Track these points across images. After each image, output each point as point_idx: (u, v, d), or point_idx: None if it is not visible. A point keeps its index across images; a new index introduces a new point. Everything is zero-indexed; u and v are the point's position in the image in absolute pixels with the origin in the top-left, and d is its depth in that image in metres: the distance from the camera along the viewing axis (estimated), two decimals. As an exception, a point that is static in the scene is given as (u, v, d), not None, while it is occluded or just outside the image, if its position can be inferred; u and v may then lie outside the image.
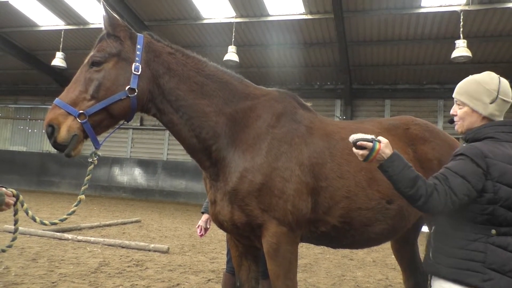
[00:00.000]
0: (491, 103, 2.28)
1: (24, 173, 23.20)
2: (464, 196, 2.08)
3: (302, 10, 15.08)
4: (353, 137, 2.18)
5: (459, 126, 2.39)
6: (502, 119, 2.32)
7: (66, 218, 2.89)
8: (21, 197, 2.61)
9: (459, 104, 2.39)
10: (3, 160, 23.57)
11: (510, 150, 2.19)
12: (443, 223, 2.27)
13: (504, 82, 2.33)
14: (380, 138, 2.17)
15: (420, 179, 2.10)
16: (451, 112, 2.45)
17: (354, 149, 2.18)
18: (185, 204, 19.52)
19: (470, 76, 2.42)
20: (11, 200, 2.54)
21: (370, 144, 2.12)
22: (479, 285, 2.06)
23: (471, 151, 2.15)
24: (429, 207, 2.07)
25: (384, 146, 2.14)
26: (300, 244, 3.18)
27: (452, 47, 13.53)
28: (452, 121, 2.48)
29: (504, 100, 2.29)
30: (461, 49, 13.06)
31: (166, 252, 7.53)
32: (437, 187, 2.08)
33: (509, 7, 13.30)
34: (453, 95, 2.42)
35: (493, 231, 2.12)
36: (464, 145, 2.30)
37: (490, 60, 16.73)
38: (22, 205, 2.63)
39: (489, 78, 2.35)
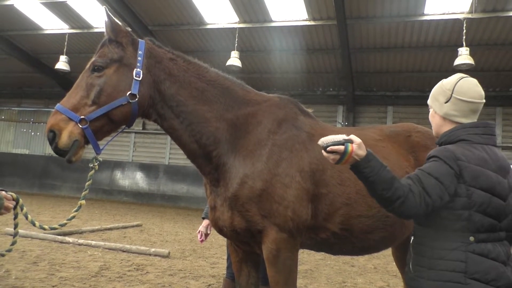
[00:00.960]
0: (445, 102, 2.26)
1: (26, 176, 23.24)
2: (438, 197, 2.02)
3: (305, 16, 15.11)
4: (322, 141, 2.09)
5: (433, 130, 2.40)
6: (471, 120, 2.25)
7: (65, 223, 2.90)
8: (20, 200, 2.62)
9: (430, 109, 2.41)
10: (6, 163, 23.62)
11: (483, 153, 2.14)
12: (421, 234, 2.20)
13: (465, 82, 2.26)
14: (352, 137, 2.07)
15: (396, 180, 2.03)
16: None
17: (324, 153, 2.09)
18: (186, 208, 19.50)
19: None
20: (11, 204, 2.55)
21: (342, 147, 2.03)
22: None
23: (443, 153, 2.11)
24: (404, 209, 2.02)
25: (357, 147, 2.05)
26: (301, 250, 3.17)
27: (455, 55, 13.54)
28: None
29: (460, 99, 2.22)
30: (463, 56, 13.07)
31: (166, 256, 7.52)
32: (412, 187, 2.03)
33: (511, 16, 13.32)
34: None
35: (471, 238, 2.05)
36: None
37: (493, 68, 16.73)
38: (22, 209, 2.63)
39: (450, 79, 2.33)
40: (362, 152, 2.05)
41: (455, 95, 2.23)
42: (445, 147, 2.17)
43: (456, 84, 2.25)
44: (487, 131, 2.21)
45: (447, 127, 2.27)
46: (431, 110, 2.36)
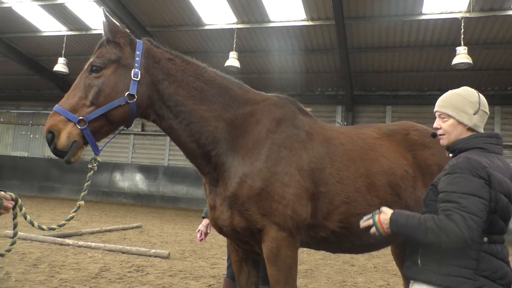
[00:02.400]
0: (474, 114, 2.35)
1: (25, 178, 23.20)
2: (484, 213, 2.09)
3: (304, 16, 15.13)
4: (360, 224, 2.38)
5: (445, 139, 2.43)
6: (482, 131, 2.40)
7: (64, 224, 2.90)
8: (19, 201, 2.62)
9: (443, 117, 2.42)
10: (5, 166, 23.59)
11: (498, 161, 2.25)
12: None
13: (482, 95, 2.43)
14: (382, 209, 2.31)
15: (424, 218, 2.14)
16: (435, 125, 2.48)
17: (371, 231, 2.31)
18: (186, 209, 19.49)
19: (450, 91, 2.49)
20: (10, 204, 2.54)
21: (370, 221, 2.30)
22: None
23: (468, 166, 2.16)
24: (453, 240, 2.05)
25: (383, 214, 2.27)
26: (301, 250, 3.18)
27: (453, 54, 13.55)
28: (435, 135, 2.51)
29: (484, 112, 2.38)
30: (462, 56, 13.08)
31: (166, 257, 7.52)
32: (451, 217, 2.07)
33: (510, 15, 13.33)
34: (437, 109, 2.46)
35: (485, 239, 2.15)
36: (453, 159, 2.31)
37: (491, 67, 16.75)
38: (21, 209, 2.63)
39: (469, 91, 2.43)
40: (387, 216, 2.25)
41: (482, 107, 2.37)
42: (466, 158, 2.21)
43: (479, 97, 2.39)
44: (498, 142, 2.35)
45: (465, 136, 2.36)
46: (451, 120, 2.38)
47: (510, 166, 2.31)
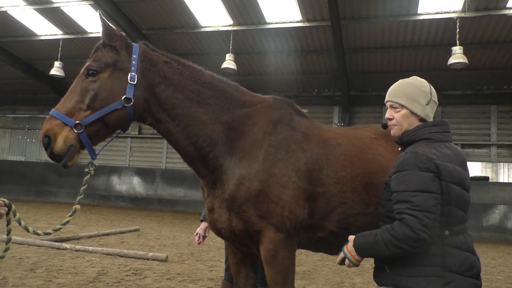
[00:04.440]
0: (426, 104, 2.35)
1: (22, 183, 23.11)
2: (437, 207, 2.05)
3: (299, 17, 15.16)
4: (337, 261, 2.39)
5: (396, 130, 2.41)
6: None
7: (60, 229, 2.88)
8: (13, 206, 2.59)
9: (395, 107, 2.41)
10: (2, 170, 23.49)
11: (446, 150, 2.21)
12: None
13: (431, 85, 2.44)
14: (349, 237, 2.34)
15: (380, 233, 2.14)
16: (387, 116, 2.47)
17: (345, 263, 2.31)
18: (184, 212, 19.46)
19: (401, 80, 2.49)
20: (3, 210, 2.52)
21: (342, 253, 2.31)
22: None
23: (414, 160, 2.13)
24: (413, 245, 2.04)
25: (350, 242, 2.29)
26: (299, 251, 3.17)
27: (449, 54, 13.60)
28: (385, 126, 2.50)
29: (434, 102, 2.39)
30: (457, 55, 13.13)
31: (164, 260, 7.51)
32: (405, 221, 2.04)
33: (504, 14, 13.41)
34: (389, 99, 2.45)
35: (446, 232, 2.11)
36: (400, 156, 2.29)
37: (487, 66, 16.82)
38: (15, 215, 2.60)
39: (421, 81, 2.43)
40: (351, 243, 2.26)
41: (433, 98, 2.37)
42: (413, 153, 2.18)
43: (430, 87, 2.39)
44: (445, 129, 2.32)
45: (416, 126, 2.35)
46: (404, 111, 2.37)
47: (460, 152, 2.28)
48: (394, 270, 2.18)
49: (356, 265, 2.27)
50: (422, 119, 2.35)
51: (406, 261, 2.13)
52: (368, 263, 8.34)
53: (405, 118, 2.36)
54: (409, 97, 2.36)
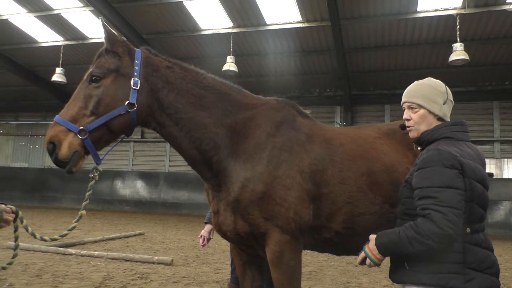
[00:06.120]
0: (443, 104, 2.37)
1: (26, 189, 23.20)
2: (462, 203, 2.05)
3: (299, 18, 15.17)
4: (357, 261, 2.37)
5: (414, 131, 2.41)
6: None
7: (66, 234, 2.89)
8: (20, 213, 2.61)
9: (413, 108, 2.41)
10: (5, 177, 23.59)
11: (467, 148, 2.23)
12: None
13: (446, 86, 2.47)
14: (370, 237, 2.31)
15: (403, 230, 2.12)
16: (404, 116, 2.46)
17: (366, 263, 2.30)
18: (188, 215, 19.48)
19: (416, 81, 2.49)
20: (10, 217, 2.54)
21: (363, 253, 2.29)
22: (461, 286, 2.05)
23: (439, 157, 2.13)
24: (438, 241, 2.03)
25: (371, 241, 2.27)
26: (305, 252, 3.16)
27: (450, 51, 13.60)
28: (404, 127, 2.50)
29: (451, 101, 2.41)
30: (458, 52, 13.13)
31: (170, 264, 7.51)
32: (430, 216, 2.04)
33: (504, 9, 13.39)
34: (406, 99, 2.44)
35: (468, 230, 2.11)
36: (423, 153, 2.29)
37: (488, 62, 16.80)
38: (22, 222, 2.62)
39: (436, 81, 2.45)
40: (373, 242, 2.25)
41: (449, 97, 2.40)
42: (436, 149, 2.19)
43: (446, 87, 2.43)
44: (464, 129, 2.34)
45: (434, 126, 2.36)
46: (422, 111, 2.38)
47: (480, 152, 2.30)
48: (414, 267, 2.18)
49: (378, 264, 2.26)
50: (440, 119, 2.37)
51: (427, 258, 2.13)
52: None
53: (423, 118, 2.37)
54: (427, 97, 2.37)
